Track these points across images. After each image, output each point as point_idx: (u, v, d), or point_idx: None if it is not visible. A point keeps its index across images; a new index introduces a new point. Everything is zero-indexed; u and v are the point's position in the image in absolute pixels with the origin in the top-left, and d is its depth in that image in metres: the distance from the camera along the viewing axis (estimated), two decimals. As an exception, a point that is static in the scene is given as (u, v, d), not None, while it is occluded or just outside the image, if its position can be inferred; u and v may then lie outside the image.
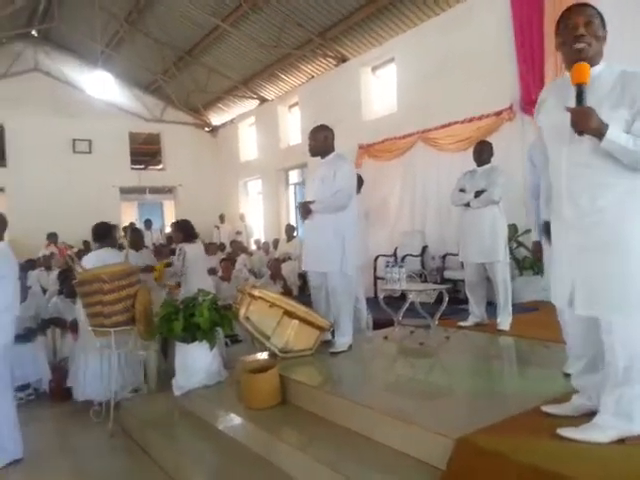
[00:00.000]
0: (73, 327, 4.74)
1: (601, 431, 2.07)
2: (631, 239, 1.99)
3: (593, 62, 2.09)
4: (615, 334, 2.03)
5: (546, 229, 2.53)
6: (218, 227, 12.88)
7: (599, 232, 2.04)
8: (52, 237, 11.07)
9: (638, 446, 2.02)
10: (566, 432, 2.12)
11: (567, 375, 2.87)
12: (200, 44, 11.14)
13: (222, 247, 10.38)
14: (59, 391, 4.58)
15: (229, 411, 3.38)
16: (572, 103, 2.01)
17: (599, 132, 1.95)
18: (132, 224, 12.65)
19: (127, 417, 3.83)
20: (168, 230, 13.90)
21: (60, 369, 4.75)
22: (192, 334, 3.60)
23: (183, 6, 9.91)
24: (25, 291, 4.42)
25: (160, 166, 15.09)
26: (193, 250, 5.12)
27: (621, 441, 2.05)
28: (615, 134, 1.94)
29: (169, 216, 15.78)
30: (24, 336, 4.45)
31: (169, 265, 5.26)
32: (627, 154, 1.96)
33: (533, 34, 6.39)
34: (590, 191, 2.05)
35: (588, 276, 2.07)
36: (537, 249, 3.15)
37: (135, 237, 5.44)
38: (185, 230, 5.26)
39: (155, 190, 15.11)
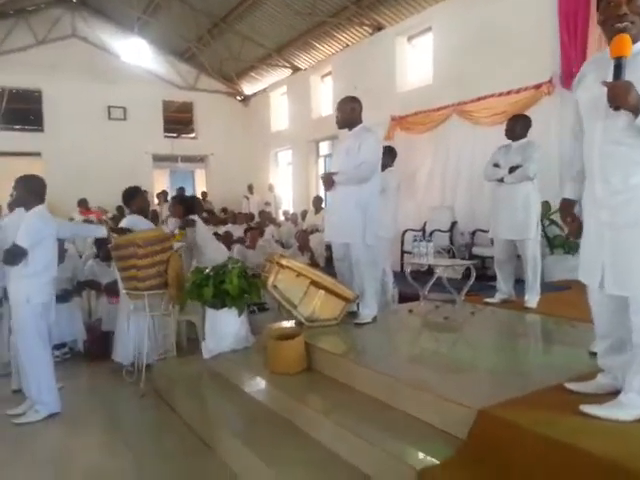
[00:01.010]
0: (108, 290, 4.90)
1: (625, 409, 2.06)
2: None
3: (636, 39, 2.01)
4: None
5: (564, 207, 2.44)
6: (247, 197, 12.99)
7: (630, 210, 2.01)
8: (83, 203, 11.39)
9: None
10: (589, 409, 2.12)
11: (593, 354, 2.85)
12: (235, 11, 11.04)
13: (251, 217, 10.49)
14: (94, 351, 4.78)
15: (256, 375, 3.49)
16: (610, 78, 1.95)
17: (636, 108, 1.88)
18: (164, 192, 12.90)
19: (158, 378, 3.99)
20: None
21: (95, 329, 4.94)
22: (222, 300, 3.70)
23: (218, -28, 9.82)
24: (63, 253, 4.57)
25: (192, 135, 15.20)
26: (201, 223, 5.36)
27: (644, 420, 2.05)
28: None
29: (200, 184, 15.98)
30: (61, 297, 4.60)
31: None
32: None
33: (579, 6, 6.12)
34: (623, 169, 2.00)
35: (619, 255, 2.04)
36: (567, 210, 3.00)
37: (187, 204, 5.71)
38: (186, 204, 5.47)
39: (187, 159, 15.28)
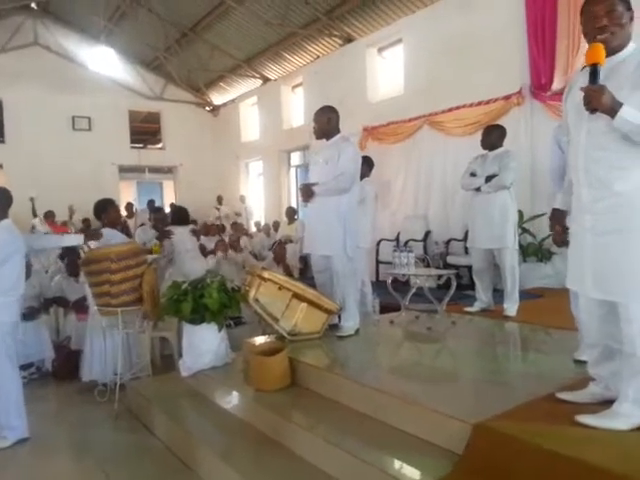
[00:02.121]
0: (77, 306, 4.70)
1: (621, 419, 2.06)
2: None
3: (619, 48, 2.06)
4: (635, 323, 2.02)
5: (554, 216, 2.53)
6: (218, 208, 12.80)
7: (615, 216, 2.02)
8: (49, 215, 10.99)
9: (657, 433, 2.02)
10: (585, 419, 2.11)
11: (577, 362, 2.88)
12: (203, 21, 10.94)
13: (222, 228, 10.33)
14: (62, 370, 4.57)
15: (237, 392, 3.39)
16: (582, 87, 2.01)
17: (612, 110, 1.92)
18: (130, 204, 12.59)
19: (132, 398, 3.82)
20: (167, 211, 13.84)
21: (63, 348, 4.73)
22: (201, 315, 3.58)
23: (187, -19, 9.73)
24: (29, 269, 4.35)
25: (160, 145, 14.94)
26: (180, 233, 5.43)
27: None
28: (629, 112, 1.91)
29: (168, 196, 15.68)
30: (27, 314, 4.41)
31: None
32: (638, 134, 1.93)
33: (545, 17, 6.29)
34: (607, 174, 2.03)
35: (603, 261, 2.06)
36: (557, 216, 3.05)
37: (161, 217, 6.16)
38: (175, 214, 5.78)
39: (154, 169, 14.99)
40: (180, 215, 5.98)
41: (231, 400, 3.36)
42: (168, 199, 15.38)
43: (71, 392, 4.27)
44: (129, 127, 13.95)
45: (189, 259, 5.46)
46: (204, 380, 3.63)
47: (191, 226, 6.16)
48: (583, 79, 2.13)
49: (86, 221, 9.80)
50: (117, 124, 13.50)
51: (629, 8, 2.07)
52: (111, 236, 4.09)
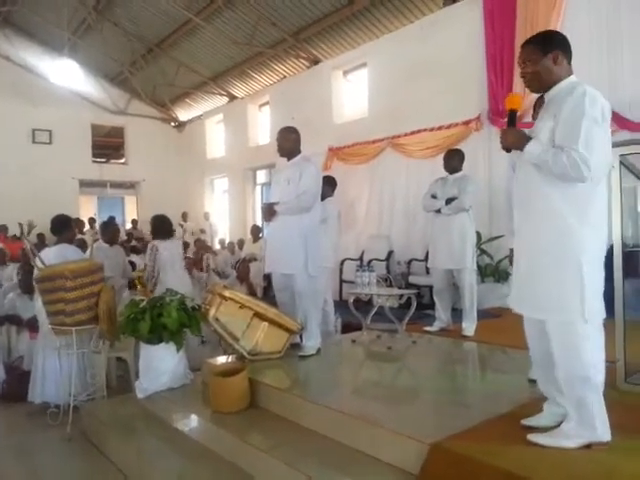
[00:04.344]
0: (30, 325, 4.53)
1: (569, 438, 2.13)
2: (567, 246, 2.10)
3: (551, 85, 2.23)
4: (553, 341, 2.15)
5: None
6: (182, 225, 12.63)
7: (537, 237, 2.18)
8: (1, 230, 10.63)
9: (603, 451, 2.09)
10: (536, 438, 2.17)
11: (531, 381, 2.95)
12: (171, 37, 10.94)
13: (186, 245, 10.18)
14: (13, 392, 4.37)
15: (195, 414, 3.32)
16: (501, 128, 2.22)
17: (522, 145, 2.15)
18: (92, 219, 12.31)
19: (87, 420, 3.69)
20: (129, 226, 13.58)
21: (15, 369, 4.54)
22: (159, 335, 3.50)
23: (154, -3, 9.72)
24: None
25: (123, 160, 14.70)
26: (166, 248, 4.92)
27: (588, 446, 2.11)
28: (531, 146, 2.14)
29: (130, 212, 15.38)
30: (-23, 333, 4.24)
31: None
32: (541, 163, 2.11)
33: (504, 47, 6.56)
34: (531, 199, 2.22)
35: (527, 279, 2.22)
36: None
37: (112, 231, 5.37)
38: (154, 226, 5.04)
39: (116, 185, 14.72)
40: (164, 227, 5.13)
41: (188, 422, 3.29)
42: (130, 215, 15.09)
43: (21, 415, 4.08)
44: (91, 141, 13.71)
45: (172, 277, 4.87)
46: (161, 402, 3.54)
47: (179, 238, 5.61)
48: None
49: (41, 236, 9.50)
50: (79, 138, 13.25)
51: (548, 51, 2.19)
52: (67, 252, 3.97)
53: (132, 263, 6.46)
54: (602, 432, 2.11)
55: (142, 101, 13.75)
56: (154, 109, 14.19)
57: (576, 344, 2.09)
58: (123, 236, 11.36)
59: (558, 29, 5.68)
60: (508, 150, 2.24)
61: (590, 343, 2.09)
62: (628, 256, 2.55)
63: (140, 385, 3.66)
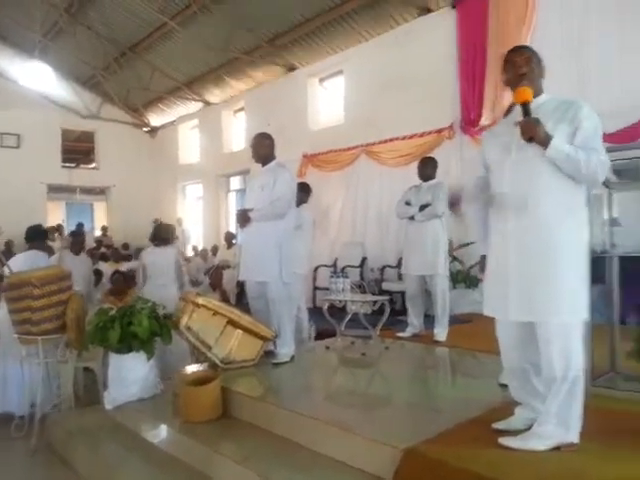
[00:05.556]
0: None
1: (540, 440, 2.16)
2: (565, 245, 2.15)
3: (537, 94, 2.27)
4: (552, 344, 2.15)
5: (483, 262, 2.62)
6: (153, 232, 12.42)
7: (538, 237, 2.17)
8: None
9: (571, 453, 2.13)
10: (507, 441, 2.20)
11: (502, 385, 2.99)
12: (145, 41, 10.80)
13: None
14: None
15: (166, 425, 3.24)
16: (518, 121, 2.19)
17: (546, 139, 2.12)
18: (60, 226, 12.02)
19: (53, 432, 3.58)
20: (98, 233, 13.32)
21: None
22: (128, 344, 3.43)
23: (129, 0, 9.58)
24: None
25: (93, 165, 14.42)
26: (151, 254, 4.89)
27: (557, 448, 2.15)
28: (560, 143, 2.12)
29: (99, 219, 15.07)
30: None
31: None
32: (569, 162, 2.12)
33: (476, 57, 6.69)
34: (531, 199, 2.19)
35: (525, 282, 2.18)
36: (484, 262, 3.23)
37: (78, 240, 5.28)
38: (152, 232, 5.02)
39: (86, 190, 14.44)
40: (157, 234, 4.99)
41: (158, 433, 3.22)
42: (99, 222, 14.80)
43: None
44: (61, 145, 13.42)
45: (151, 286, 4.76)
46: (130, 413, 3.46)
47: (175, 246, 5.31)
48: (504, 126, 2.35)
49: (8, 243, 9.23)
50: (48, 142, 12.97)
51: (540, 61, 2.32)
52: (36, 259, 3.87)
53: (99, 272, 6.33)
54: (574, 434, 2.16)
55: (115, 105, 13.54)
56: (127, 114, 13.99)
57: (575, 345, 2.16)
58: (92, 243, 11.15)
59: (529, 40, 5.83)
60: (531, 140, 2.14)
61: (581, 343, 2.19)
62: (595, 262, 2.60)
63: (108, 395, 3.57)
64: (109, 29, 10.75)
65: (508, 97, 2.44)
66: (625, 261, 3.20)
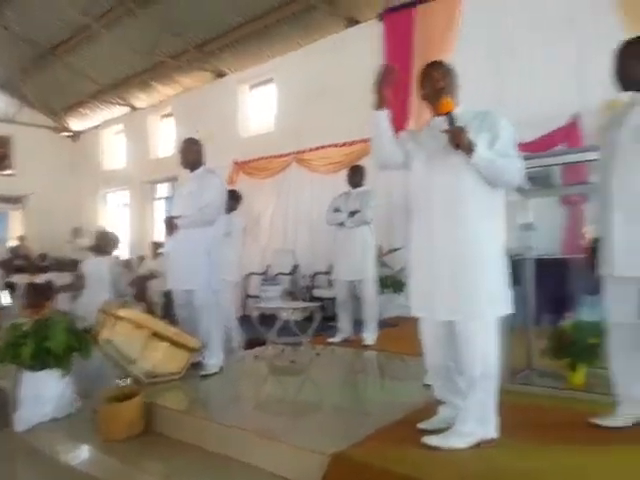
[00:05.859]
0: None
1: (460, 437, 2.23)
2: (485, 247, 2.27)
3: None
4: (472, 343, 2.23)
5: None
6: (71, 242, 11.72)
7: (462, 239, 2.26)
8: None
9: (491, 449, 2.21)
10: (430, 440, 2.25)
11: (426, 386, 3.06)
12: (66, 43, 10.24)
13: (76, 264, 9.48)
14: None
15: (83, 444, 3.04)
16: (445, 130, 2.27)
17: (470, 147, 2.21)
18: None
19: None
20: (12, 244, 12.43)
21: None
22: (42, 360, 3.20)
23: (49, 0, 9.09)
24: None
25: (8, 172, 13.49)
26: (90, 264, 4.76)
27: (477, 445, 2.23)
28: (483, 150, 2.23)
29: (15, 228, 14.07)
30: None
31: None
32: (491, 168, 2.23)
33: (401, 68, 6.89)
34: (454, 203, 2.28)
35: (450, 282, 2.26)
36: None
37: None
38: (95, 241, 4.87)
39: (1, 199, 13.45)
40: (98, 243, 4.92)
41: (76, 454, 3.01)
42: (14, 232, 13.82)
43: None
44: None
45: (87, 296, 4.69)
46: (44, 435, 3.21)
47: (115, 256, 5.22)
48: (429, 136, 2.41)
49: None
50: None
51: (456, 76, 2.44)
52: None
53: (13, 285, 5.90)
54: (493, 429, 2.25)
55: (33, 109, 12.77)
56: (46, 118, 13.23)
57: (492, 342, 2.26)
58: (7, 254, 10.41)
59: (453, 50, 6.08)
60: (458, 148, 2.23)
61: (497, 342, 2.28)
62: (512, 264, 2.72)
63: (19, 417, 3.31)
64: (27, 29, 10.13)
65: (430, 109, 2.50)
66: (540, 264, 3.39)
